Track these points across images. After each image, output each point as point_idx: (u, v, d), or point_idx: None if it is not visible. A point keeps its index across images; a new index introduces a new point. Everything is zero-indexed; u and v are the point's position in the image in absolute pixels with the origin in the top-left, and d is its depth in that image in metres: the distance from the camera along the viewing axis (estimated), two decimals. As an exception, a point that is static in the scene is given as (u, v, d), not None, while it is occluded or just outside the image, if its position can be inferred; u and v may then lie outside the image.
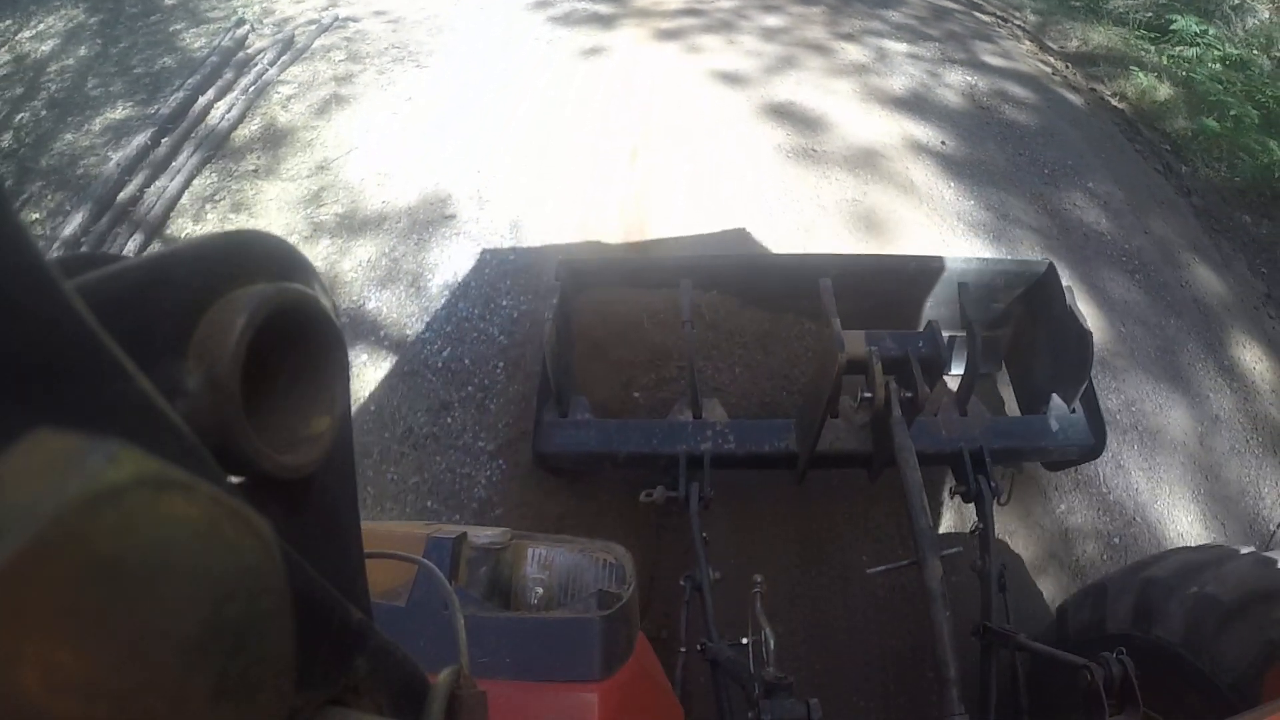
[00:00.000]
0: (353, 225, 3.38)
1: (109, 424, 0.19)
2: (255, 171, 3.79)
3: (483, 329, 2.79)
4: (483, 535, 1.04)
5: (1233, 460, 2.71)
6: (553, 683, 0.90)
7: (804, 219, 3.36)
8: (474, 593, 1.00)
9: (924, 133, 4.02)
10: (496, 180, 3.59)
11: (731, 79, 4.42)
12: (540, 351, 1.99)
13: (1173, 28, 5.11)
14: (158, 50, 5.18)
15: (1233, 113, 4.32)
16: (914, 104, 4.28)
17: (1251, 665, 1.29)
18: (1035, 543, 2.36)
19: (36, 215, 3.81)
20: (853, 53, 4.80)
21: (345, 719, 0.31)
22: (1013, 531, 2.36)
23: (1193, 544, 2.25)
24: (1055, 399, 2.09)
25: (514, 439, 2.43)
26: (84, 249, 3.43)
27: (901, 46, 4.93)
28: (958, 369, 2.18)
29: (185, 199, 3.68)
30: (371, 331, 2.87)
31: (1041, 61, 5.06)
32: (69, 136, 4.38)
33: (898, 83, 4.49)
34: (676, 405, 2.17)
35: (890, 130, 4.02)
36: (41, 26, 5.78)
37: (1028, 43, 5.34)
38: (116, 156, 3.89)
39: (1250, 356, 3.06)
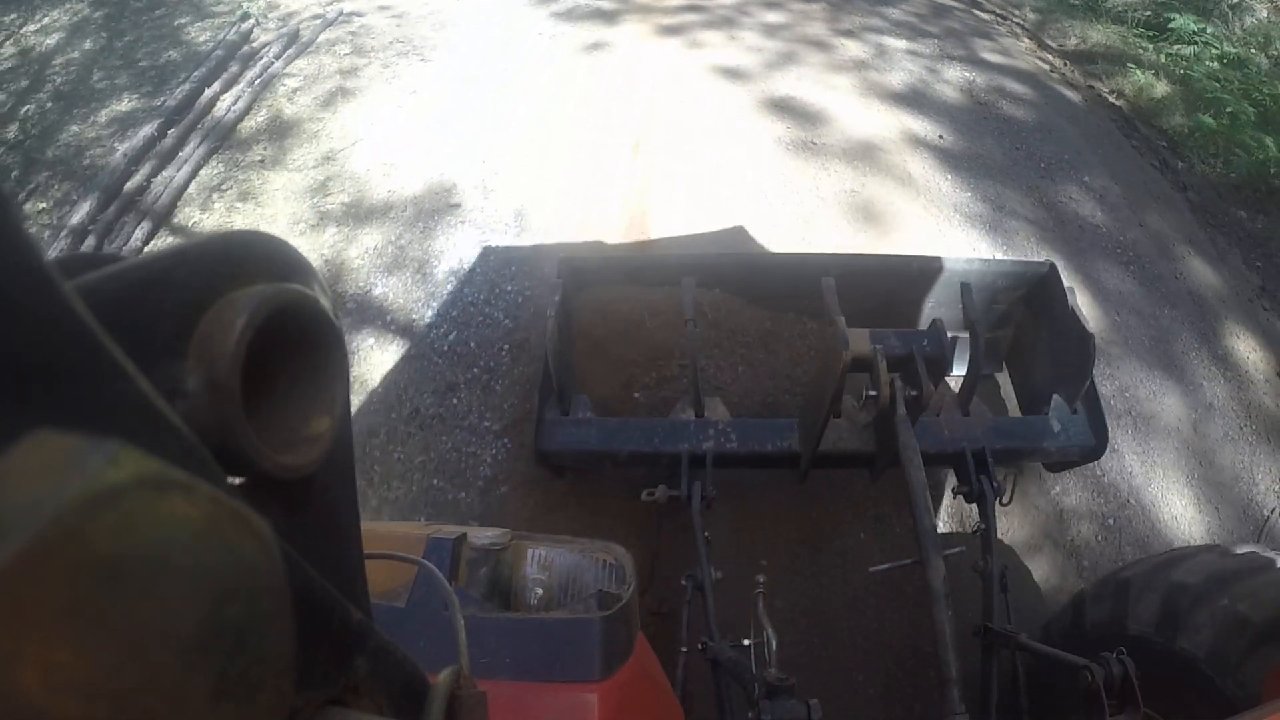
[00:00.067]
0: (359, 214, 3.42)
1: (109, 424, 0.19)
2: (262, 162, 3.83)
3: (488, 313, 2.83)
4: (483, 536, 1.04)
5: (1227, 447, 2.75)
6: (553, 683, 0.90)
7: (803, 209, 3.40)
8: (474, 593, 1.00)
9: (922, 127, 4.06)
10: (501, 171, 3.63)
11: (733, 74, 4.46)
12: (542, 343, 1.98)
13: (1171, 26, 5.15)
14: (163, 44, 5.21)
15: (1229, 110, 4.36)
16: (913, 99, 4.32)
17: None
18: (1031, 523, 2.40)
19: (43, 205, 3.84)
20: (853, 49, 4.85)
21: (345, 719, 0.30)
22: (1008, 512, 2.40)
23: (1216, 542, 2.22)
24: (1056, 399, 2.09)
25: (519, 419, 2.47)
26: (91, 237, 3.47)
27: (901, 43, 4.97)
28: (959, 369, 2.18)
29: (192, 188, 3.72)
30: (378, 316, 2.91)
31: (1040, 59, 5.10)
32: (75, 128, 4.41)
33: (897, 78, 4.53)
34: (679, 404, 2.17)
35: (889, 124, 4.06)
36: (46, 20, 5.80)
37: (1026, 40, 5.39)
38: (123, 147, 3.92)
39: (1244, 347, 3.11)
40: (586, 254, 2.83)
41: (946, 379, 2.23)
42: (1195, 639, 1.39)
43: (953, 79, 4.60)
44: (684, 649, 1.64)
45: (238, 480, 0.27)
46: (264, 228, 3.37)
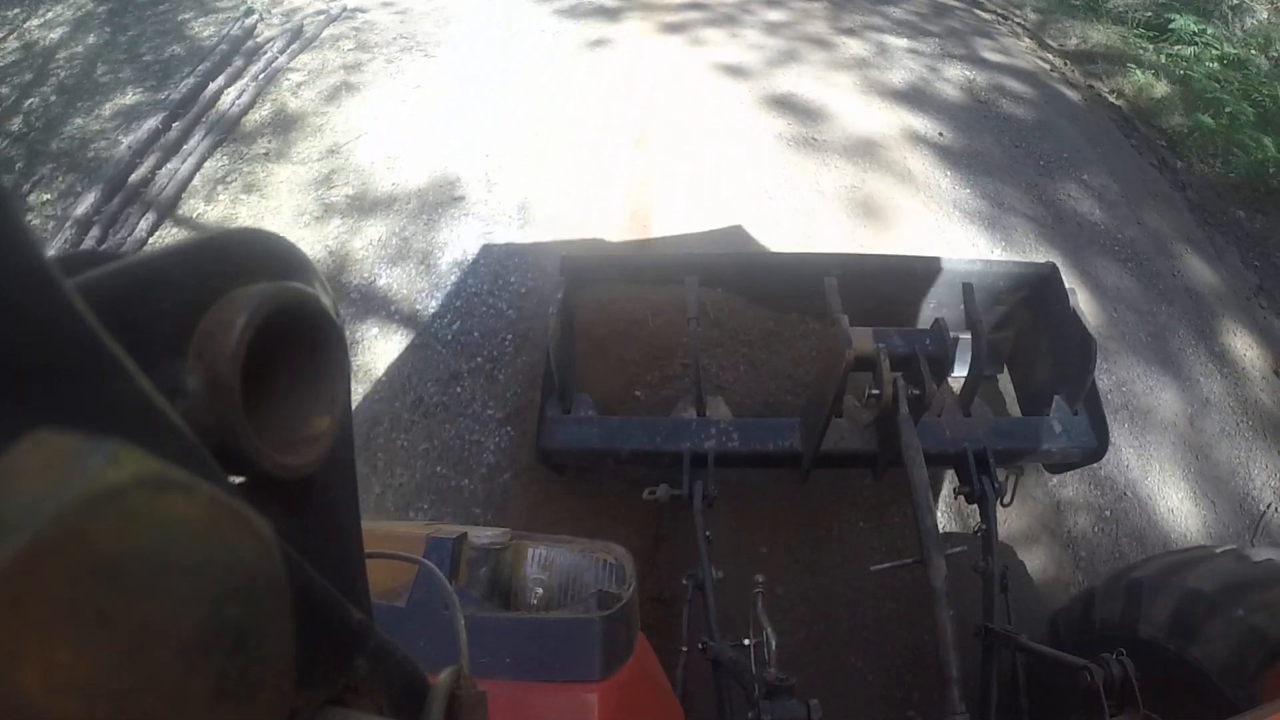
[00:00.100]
0: (363, 206, 3.44)
1: (109, 424, 0.19)
2: (266, 155, 3.85)
3: (491, 304, 2.85)
4: (483, 535, 1.04)
5: (1223, 442, 2.77)
6: (553, 683, 0.90)
7: (803, 203, 3.42)
8: (474, 593, 1.00)
9: (922, 124, 4.09)
10: (504, 165, 3.65)
11: (734, 71, 4.49)
12: (544, 334, 1.99)
13: (1171, 27, 5.18)
14: (166, 39, 5.23)
15: (1228, 110, 4.38)
16: (913, 97, 4.35)
17: None
18: (1028, 514, 2.42)
19: (48, 196, 3.86)
20: (854, 47, 4.87)
21: (345, 719, 0.30)
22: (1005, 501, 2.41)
23: (1233, 546, 2.21)
24: (1058, 401, 2.09)
25: (522, 407, 2.49)
26: (95, 228, 3.48)
27: (902, 42, 5.00)
28: (960, 370, 2.19)
29: (197, 180, 3.74)
30: (382, 306, 2.93)
31: (1040, 59, 5.13)
32: (79, 121, 4.42)
33: (897, 76, 4.56)
34: (680, 403, 2.17)
35: (889, 121, 4.08)
36: (50, 15, 5.82)
37: (1027, 40, 5.42)
38: (128, 140, 3.95)
39: (1241, 344, 3.13)
40: (589, 253, 2.84)
41: (947, 380, 2.25)
42: (1208, 649, 1.37)
43: (953, 77, 4.62)
44: (684, 649, 1.64)
45: (238, 480, 0.26)
46: (269, 219, 3.39)
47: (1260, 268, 3.58)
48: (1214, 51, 5.01)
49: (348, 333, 2.82)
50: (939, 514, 2.39)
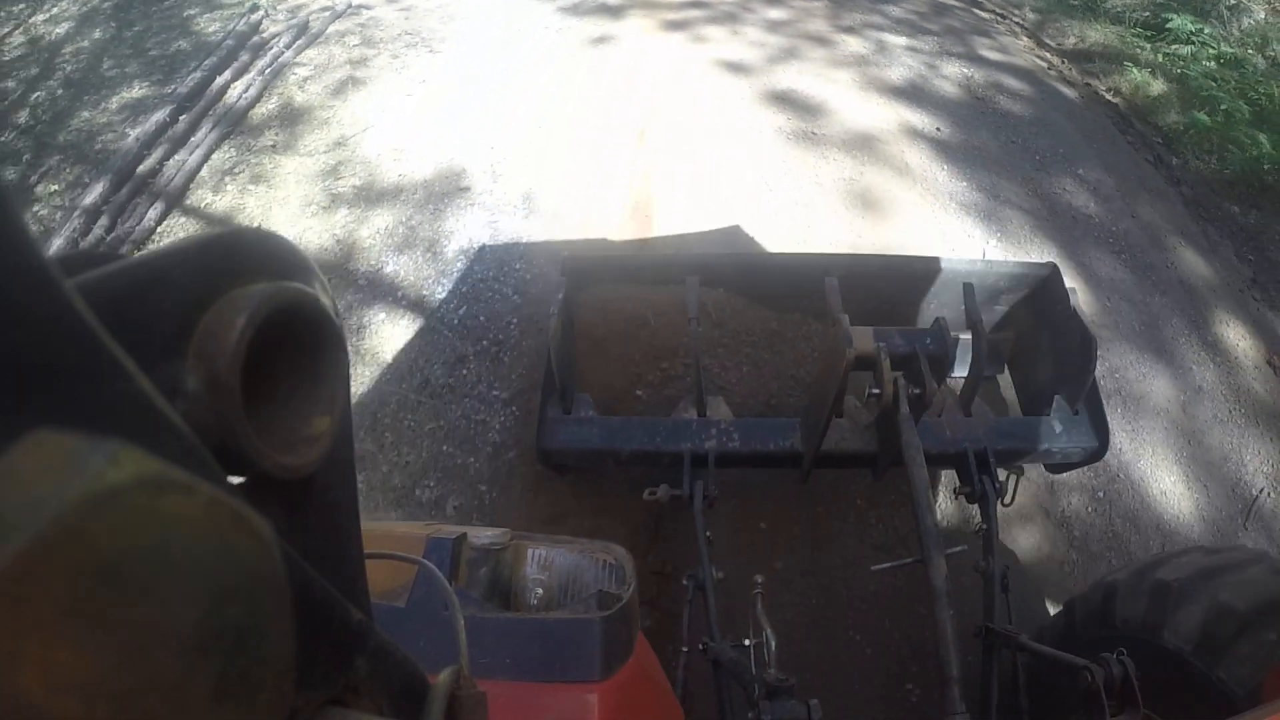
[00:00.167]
0: (370, 197, 3.49)
1: (109, 424, 0.19)
2: (273, 147, 3.90)
3: (497, 289, 2.90)
4: (483, 536, 1.04)
5: (1215, 428, 2.82)
6: (553, 683, 0.90)
7: (803, 195, 3.47)
8: (474, 593, 0.99)
9: (920, 120, 4.14)
10: (509, 157, 3.71)
11: (735, 67, 4.54)
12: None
13: (1169, 26, 5.22)
14: (172, 34, 5.28)
15: (1224, 108, 4.43)
16: (911, 93, 4.40)
17: None
18: (1022, 494, 2.45)
19: (55, 187, 3.90)
20: (853, 45, 4.93)
21: (345, 719, 0.31)
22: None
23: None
24: (1058, 401, 2.09)
25: (526, 388, 2.54)
26: (104, 218, 3.53)
27: (901, 40, 5.05)
28: (961, 370, 2.17)
29: (204, 172, 3.78)
30: (390, 293, 2.98)
31: (1038, 57, 5.19)
32: (86, 114, 4.47)
33: (896, 73, 4.61)
34: (681, 403, 2.17)
35: (887, 117, 4.14)
36: (55, 10, 5.86)
37: (1025, 39, 5.47)
38: (135, 132, 3.99)
39: (1234, 334, 3.17)
40: (590, 253, 2.85)
41: (948, 380, 2.21)
42: (1237, 673, 1.34)
43: (951, 75, 4.68)
44: (684, 649, 1.65)
45: (238, 480, 0.26)
46: (276, 209, 3.44)
47: (1254, 261, 3.63)
48: (1211, 51, 5.06)
49: (355, 318, 2.87)
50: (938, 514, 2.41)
